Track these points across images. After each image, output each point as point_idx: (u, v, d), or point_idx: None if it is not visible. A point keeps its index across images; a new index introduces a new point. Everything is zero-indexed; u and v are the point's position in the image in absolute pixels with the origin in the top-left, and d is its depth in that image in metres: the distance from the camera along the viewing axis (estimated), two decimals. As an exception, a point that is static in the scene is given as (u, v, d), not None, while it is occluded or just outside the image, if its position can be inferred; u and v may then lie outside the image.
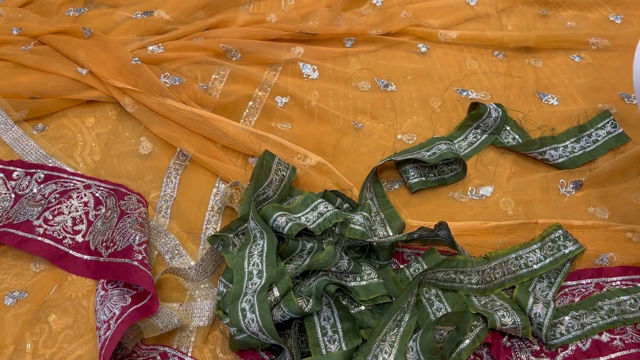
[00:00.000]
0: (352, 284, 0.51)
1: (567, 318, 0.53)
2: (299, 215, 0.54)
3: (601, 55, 0.79)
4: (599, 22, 0.85)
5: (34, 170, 0.61)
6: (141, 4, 0.76)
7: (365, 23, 0.81)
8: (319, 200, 0.56)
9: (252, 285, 0.51)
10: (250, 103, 0.70)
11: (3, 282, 0.55)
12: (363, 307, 0.51)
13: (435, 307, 0.52)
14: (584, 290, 0.55)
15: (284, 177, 0.60)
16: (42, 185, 0.60)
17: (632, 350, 0.51)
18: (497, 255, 0.55)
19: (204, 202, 0.61)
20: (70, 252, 0.56)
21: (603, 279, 0.56)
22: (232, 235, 0.56)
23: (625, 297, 0.54)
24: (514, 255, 0.56)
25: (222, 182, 0.63)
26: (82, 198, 0.59)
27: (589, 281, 0.56)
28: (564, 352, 0.52)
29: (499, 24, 0.83)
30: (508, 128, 0.69)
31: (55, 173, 0.61)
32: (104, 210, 0.58)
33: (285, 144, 0.64)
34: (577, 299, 0.55)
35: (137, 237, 0.54)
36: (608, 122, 0.68)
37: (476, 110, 0.68)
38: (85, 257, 0.56)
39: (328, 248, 0.52)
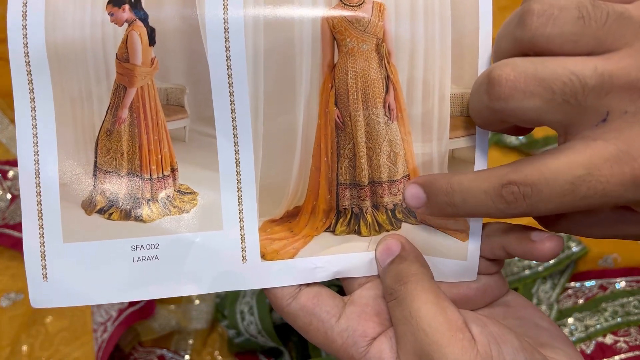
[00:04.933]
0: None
1: (570, 320, 0.53)
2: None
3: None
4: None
5: (30, 170, 0.61)
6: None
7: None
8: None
9: (251, 287, 0.50)
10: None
11: (-1, 284, 0.55)
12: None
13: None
14: (587, 291, 0.55)
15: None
16: (38, 186, 0.60)
17: (637, 352, 0.51)
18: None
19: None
20: (67, 253, 0.55)
21: (607, 280, 0.55)
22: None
23: (629, 299, 0.54)
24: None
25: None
26: (78, 198, 0.59)
27: (592, 282, 0.55)
28: (567, 355, 0.51)
29: (499, 23, 0.82)
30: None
31: (51, 173, 0.61)
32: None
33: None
34: (580, 301, 0.54)
35: (134, 238, 0.54)
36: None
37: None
38: (82, 258, 0.55)
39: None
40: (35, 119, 0.27)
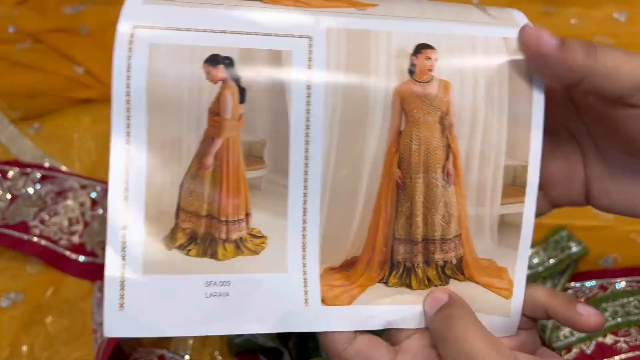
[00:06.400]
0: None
1: (570, 320, 0.53)
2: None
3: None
4: (603, 20, 0.84)
5: (29, 170, 0.61)
6: (139, 1, 0.76)
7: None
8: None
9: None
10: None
11: (-1, 284, 0.55)
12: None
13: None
14: (588, 291, 0.55)
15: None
16: (38, 186, 0.60)
17: (637, 352, 0.51)
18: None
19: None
20: (67, 253, 0.55)
21: (607, 280, 0.55)
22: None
23: (629, 299, 0.54)
24: (518, 257, 0.55)
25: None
26: (78, 198, 0.59)
27: (593, 282, 0.55)
28: (567, 355, 0.51)
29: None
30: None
31: (51, 173, 0.61)
32: (100, 211, 0.58)
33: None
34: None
35: (134, 238, 0.54)
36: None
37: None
38: (81, 258, 0.55)
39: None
40: (129, 158, 0.30)
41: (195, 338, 0.52)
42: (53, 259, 0.55)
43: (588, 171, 0.33)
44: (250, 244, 0.31)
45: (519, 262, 0.32)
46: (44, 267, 0.55)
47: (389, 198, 0.31)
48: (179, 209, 0.30)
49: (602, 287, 0.55)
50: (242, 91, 0.30)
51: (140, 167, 0.30)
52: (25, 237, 0.56)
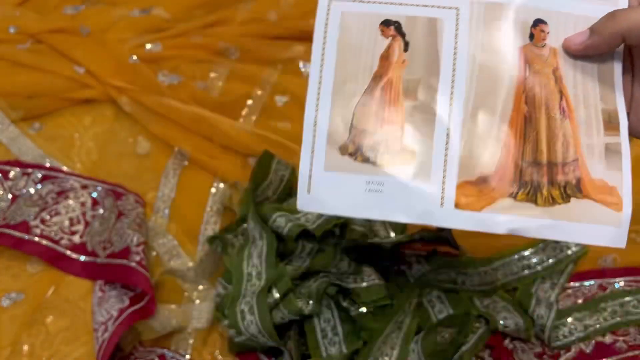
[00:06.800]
0: (353, 285, 0.51)
1: (570, 319, 0.53)
2: (299, 215, 0.54)
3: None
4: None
5: (30, 170, 0.61)
6: (139, 1, 0.76)
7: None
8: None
9: (251, 286, 0.51)
10: (250, 102, 0.70)
11: (0, 284, 0.55)
12: (364, 309, 0.50)
13: (437, 308, 0.52)
14: (587, 291, 0.55)
15: (284, 177, 0.59)
16: (39, 186, 0.60)
17: (636, 352, 0.51)
18: (499, 257, 0.55)
19: (202, 202, 0.61)
20: (67, 253, 0.56)
21: (606, 280, 0.56)
22: (231, 236, 0.56)
23: (628, 299, 0.54)
24: (517, 257, 0.55)
25: (221, 182, 0.63)
26: (79, 198, 0.59)
27: (592, 282, 0.55)
28: (567, 354, 0.51)
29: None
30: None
31: (52, 173, 0.61)
32: (101, 211, 0.58)
33: (285, 144, 0.63)
34: (580, 300, 0.54)
35: (134, 238, 0.54)
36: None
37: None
38: (82, 258, 0.55)
39: (328, 249, 0.51)
40: (319, 90, 0.40)
41: (195, 338, 0.52)
42: (54, 259, 0.55)
43: (634, 89, 0.40)
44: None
45: (625, 181, 0.38)
46: (44, 267, 0.56)
47: (518, 127, 0.39)
48: (351, 126, 0.40)
49: (601, 287, 0.55)
50: (406, 45, 0.41)
51: (327, 94, 0.40)
52: (26, 236, 0.56)
